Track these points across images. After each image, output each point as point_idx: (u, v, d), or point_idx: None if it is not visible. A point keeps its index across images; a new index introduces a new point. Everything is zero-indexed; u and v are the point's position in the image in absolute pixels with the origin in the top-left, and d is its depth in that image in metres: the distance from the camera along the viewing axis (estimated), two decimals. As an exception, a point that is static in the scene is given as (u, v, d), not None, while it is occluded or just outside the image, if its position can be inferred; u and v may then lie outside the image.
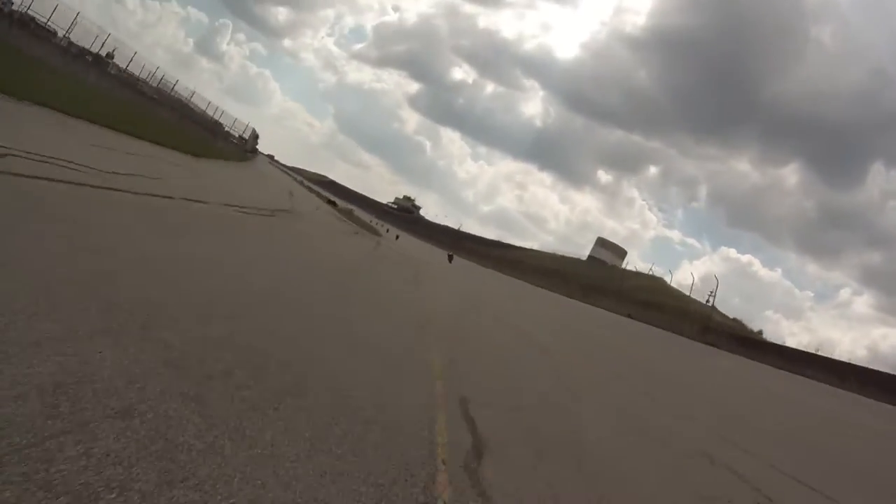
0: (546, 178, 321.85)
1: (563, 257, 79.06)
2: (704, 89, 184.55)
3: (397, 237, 56.08)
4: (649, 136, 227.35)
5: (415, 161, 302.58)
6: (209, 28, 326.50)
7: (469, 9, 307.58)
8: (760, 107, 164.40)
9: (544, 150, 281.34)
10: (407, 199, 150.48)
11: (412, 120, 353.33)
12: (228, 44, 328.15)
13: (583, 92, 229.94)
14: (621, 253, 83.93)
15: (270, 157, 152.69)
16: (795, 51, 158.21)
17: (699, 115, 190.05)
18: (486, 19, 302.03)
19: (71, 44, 30.34)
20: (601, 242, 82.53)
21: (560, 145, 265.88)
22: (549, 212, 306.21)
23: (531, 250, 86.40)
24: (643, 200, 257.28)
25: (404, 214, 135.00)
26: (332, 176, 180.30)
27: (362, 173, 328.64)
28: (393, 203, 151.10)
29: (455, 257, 53.75)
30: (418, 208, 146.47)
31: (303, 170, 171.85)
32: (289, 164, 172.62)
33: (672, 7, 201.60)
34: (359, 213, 64.51)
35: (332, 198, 68.53)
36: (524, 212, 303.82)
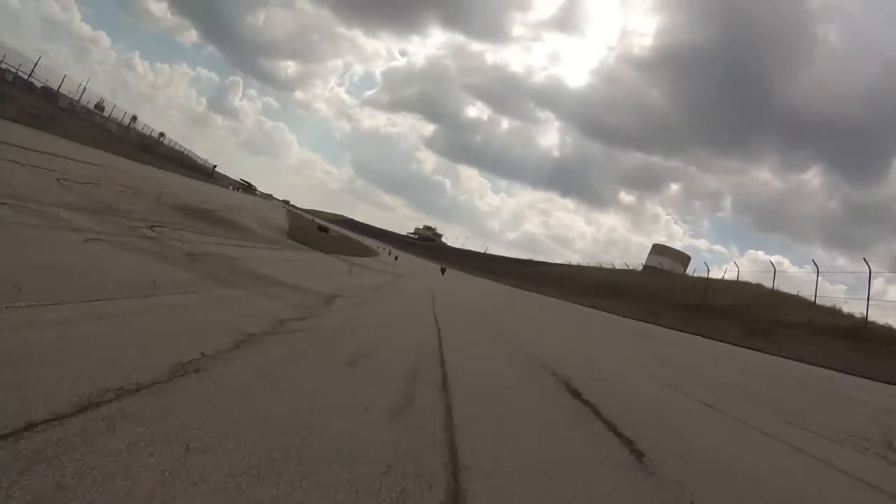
0: (569, 203, 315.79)
1: (614, 269, 64.86)
2: (718, 103, 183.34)
3: (396, 258, 52.51)
4: (668, 155, 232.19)
5: (436, 199, 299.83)
6: (220, 86, 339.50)
7: (476, 47, 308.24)
8: (776, 114, 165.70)
9: (565, 178, 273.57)
10: (427, 228, 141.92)
11: (430, 160, 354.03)
12: (241, 100, 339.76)
13: (598, 118, 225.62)
14: (684, 259, 68.67)
15: (286, 202, 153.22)
16: (804, 54, 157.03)
17: (716, 130, 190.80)
18: (494, 55, 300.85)
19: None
20: (659, 249, 67.12)
21: (580, 172, 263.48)
22: (576, 233, 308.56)
23: (574, 266, 72.34)
24: (668, 215, 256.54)
25: (426, 243, 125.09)
26: (351, 216, 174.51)
27: (386, 213, 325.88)
28: (413, 234, 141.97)
29: (477, 278, 42.41)
30: (439, 236, 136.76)
31: (320, 211, 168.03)
32: (305, 207, 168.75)
33: (677, 24, 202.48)
34: (370, 242, 63.35)
35: (326, 224, 58.76)
36: (550, 235, 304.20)
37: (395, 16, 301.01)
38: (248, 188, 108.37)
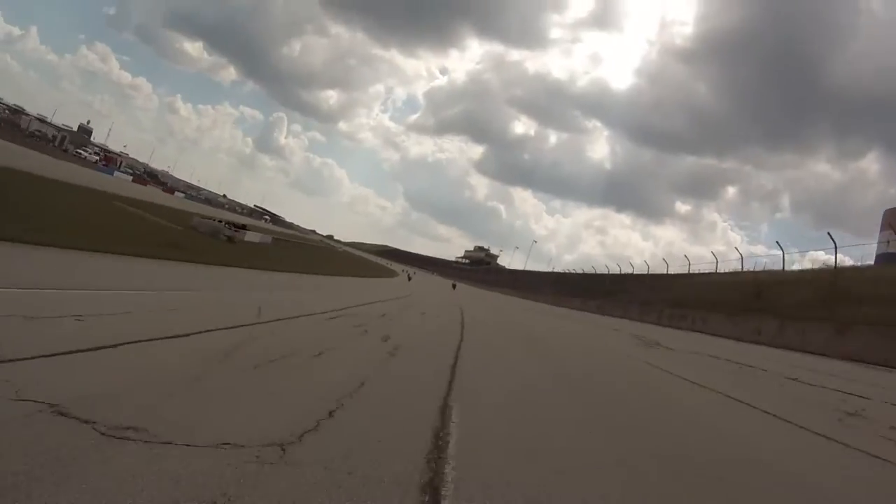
0: (625, 219, 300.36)
1: (767, 272, 34.58)
2: (766, 91, 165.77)
3: (409, 278, 54.55)
4: (722, 156, 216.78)
5: (491, 225, 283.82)
6: (265, 124, 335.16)
7: (516, 55, 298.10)
8: (826, 99, 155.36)
9: (618, 191, 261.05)
10: (480, 249, 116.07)
11: (481, 185, 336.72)
12: (286, 137, 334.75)
13: (646, 122, 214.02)
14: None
15: (330, 236, 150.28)
16: (847, 28, 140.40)
17: (767, 122, 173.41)
18: (534, 62, 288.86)
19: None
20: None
21: (633, 183, 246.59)
22: (633, 249, 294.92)
23: (699, 274, 42.12)
24: (725, 222, 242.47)
25: (479, 267, 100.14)
26: (407, 248, 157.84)
27: (441, 245, 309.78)
28: (462, 258, 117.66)
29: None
30: (494, 257, 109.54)
31: (361, 243, 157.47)
32: (347, 240, 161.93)
33: (714, 8, 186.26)
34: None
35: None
36: (608, 254, 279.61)
37: (430, 31, 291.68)
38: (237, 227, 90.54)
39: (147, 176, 77.61)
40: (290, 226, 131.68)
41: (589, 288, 46.07)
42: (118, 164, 69.25)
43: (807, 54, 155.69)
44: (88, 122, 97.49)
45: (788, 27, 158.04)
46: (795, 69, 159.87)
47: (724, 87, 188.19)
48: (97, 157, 58.21)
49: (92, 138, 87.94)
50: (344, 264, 49.20)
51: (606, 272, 49.69)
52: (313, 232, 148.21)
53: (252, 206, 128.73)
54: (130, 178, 56.00)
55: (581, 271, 53.76)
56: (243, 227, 32.69)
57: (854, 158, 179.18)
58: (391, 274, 69.76)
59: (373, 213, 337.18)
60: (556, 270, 64.10)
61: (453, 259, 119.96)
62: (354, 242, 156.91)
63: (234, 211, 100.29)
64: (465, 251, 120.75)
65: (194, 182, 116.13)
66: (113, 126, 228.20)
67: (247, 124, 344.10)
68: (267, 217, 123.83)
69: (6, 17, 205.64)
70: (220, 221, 27.15)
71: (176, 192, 68.87)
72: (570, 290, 50.56)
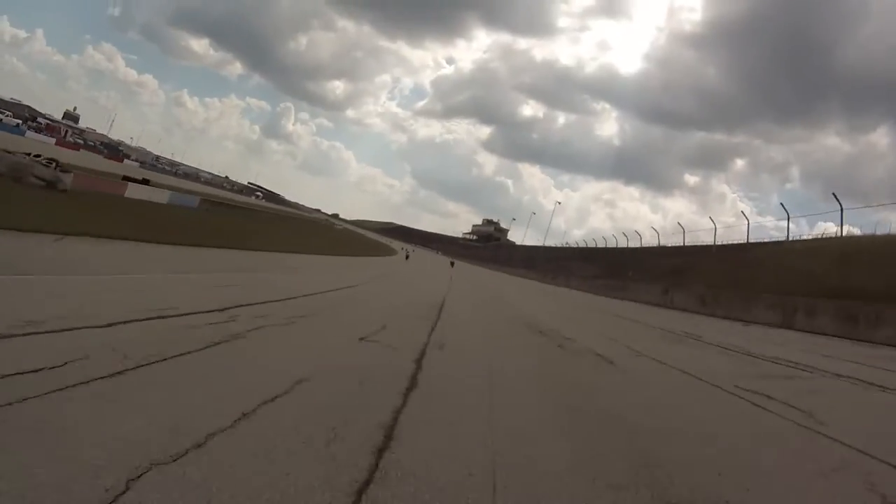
0: (634, 191, 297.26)
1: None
2: (777, 70, 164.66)
3: (408, 256, 52.10)
4: (731, 131, 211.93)
5: (499, 201, 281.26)
6: (272, 113, 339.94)
7: (523, 44, 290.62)
8: (836, 75, 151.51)
9: (627, 166, 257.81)
10: (488, 222, 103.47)
11: (489, 163, 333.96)
12: (294, 124, 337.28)
13: (655, 103, 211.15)
14: None
15: (335, 215, 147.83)
16: (858, 6, 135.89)
17: (777, 99, 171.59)
18: (542, 50, 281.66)
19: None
20: None
21: (642, 158, 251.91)
22: (643, 223, 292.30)
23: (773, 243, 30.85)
24: (734, 193, 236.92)
25: (489, 243, 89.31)
26: (415, 226, 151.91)
27: (449, 221, 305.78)
28: (469, 233, 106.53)
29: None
30: (504, 231, 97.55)
31: (367, 221, 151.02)
32: (351, 218, 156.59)
33: None
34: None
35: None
36: (617, 227, 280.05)
37: (436, 22, 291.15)
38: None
39: (104, 147, 67.28)
40: (290, 203, 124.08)
41: (635, 267, 35.18)
42: (63, 133, 59.08)
43: (816, 34, 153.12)
44: (75, 109, 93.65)
45: (798, 8, 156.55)
46: (804, 47, 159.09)
47: (734, 68, 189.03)
48: (18, 122, 48.75)
49: (79, 124, 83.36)
50: (334, 242, 40.81)
51: (657, 243, 38.62)
52: (318, 211, 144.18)
53: (246, 182, 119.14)
54: (54, 141, 45.61)
55: (614, 244, 42.78)
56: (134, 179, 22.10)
57: (864, 132, 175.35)
58: (389, 252, 60.14)
59: (381, 191, 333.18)
60: (582, 246, 52.81)
61: (460, 235, 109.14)
62: (360, 220, 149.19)
63: (230, 190, 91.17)
64: (473, 226, 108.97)
65: (174, 157, 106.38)
66: (116, 118, 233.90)
67: (253, 114, 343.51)
68: (259, 193, 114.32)
69: (12, 20, 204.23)
70: (37, 156, 16.18)
71: (126, 161, 58.36)
72: (603, 269, 39.68)
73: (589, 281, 37.88)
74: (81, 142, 61.69)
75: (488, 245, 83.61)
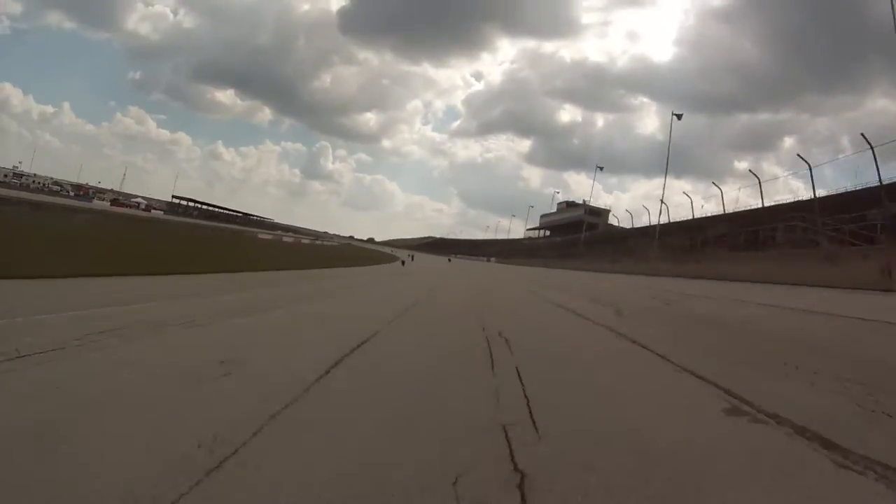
0: (684, 185, 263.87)
1: None
2: (813, 34, 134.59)
3: (403, 263, 38.62)
4: (777, 108, 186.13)
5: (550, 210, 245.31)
6: (309, 154, 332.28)
7: (549, 47, 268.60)
8: (875, 30, 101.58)
9: (675, 159, 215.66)
10: (572, 205, 68.34)
11: (535, 175, 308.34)
12: (333, 162, 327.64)
13: (694, 90, 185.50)
14: None
15: (371, 239, 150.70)
16: None
17: (818, 66, 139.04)
18: (570, 50, 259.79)
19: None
20: None
21: (689, 150, 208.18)
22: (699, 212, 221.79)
23: None
24: (786, 174, 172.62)
25: (576, 236, 57.99)
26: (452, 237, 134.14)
27: (502, 234, 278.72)
28: (538, 227, 75.66)
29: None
30: (605, 213, 64.24)
31: (399, 239, 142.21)
32: (382, 239, 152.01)
33: None
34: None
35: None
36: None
37: (457, 38, 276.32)
38: None
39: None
40: (278, 226, 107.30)
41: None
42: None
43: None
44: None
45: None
46: (841, 6, 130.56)
47: (770, 38, 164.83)
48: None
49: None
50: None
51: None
52: (351, 237, 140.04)
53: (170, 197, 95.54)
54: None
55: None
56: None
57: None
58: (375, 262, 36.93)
59: (430, 216, 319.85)
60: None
61: (522, 235, 78.78)
62: (392, 240, 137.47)
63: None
64: (541, 217, 76.94)
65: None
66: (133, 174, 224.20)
67: (291, 157, 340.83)
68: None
69: (38, 97, 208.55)
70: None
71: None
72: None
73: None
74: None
75: (576, 239, 53.47)
